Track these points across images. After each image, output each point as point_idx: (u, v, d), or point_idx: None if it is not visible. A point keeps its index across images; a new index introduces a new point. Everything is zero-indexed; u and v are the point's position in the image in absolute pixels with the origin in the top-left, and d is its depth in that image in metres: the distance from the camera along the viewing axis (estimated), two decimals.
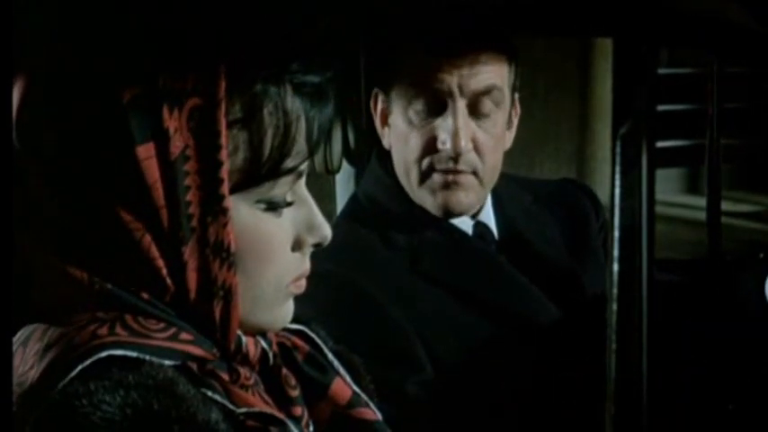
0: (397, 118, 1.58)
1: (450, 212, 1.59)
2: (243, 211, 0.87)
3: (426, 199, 1.58)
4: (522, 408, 1.52)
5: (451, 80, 1.51)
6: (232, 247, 0.86)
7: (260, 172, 0.87)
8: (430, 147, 1.55)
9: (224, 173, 0.84)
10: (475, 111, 1.54)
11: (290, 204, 0.91)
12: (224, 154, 0.84)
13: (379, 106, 1.62)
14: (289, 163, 0.88)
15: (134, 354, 0.83)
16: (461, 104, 1.53)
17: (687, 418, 1.65)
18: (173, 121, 0.82)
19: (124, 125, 0.82)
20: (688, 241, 4.76)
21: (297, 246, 0.92)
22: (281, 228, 0.90)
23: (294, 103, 0.87)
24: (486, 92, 1.54)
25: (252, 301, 0.89)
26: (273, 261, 0.90)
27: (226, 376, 0.88)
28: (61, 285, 0.86)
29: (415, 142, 1.56)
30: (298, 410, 0.95)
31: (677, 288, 1.80)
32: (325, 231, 0.93)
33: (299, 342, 1.00)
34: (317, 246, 0.94)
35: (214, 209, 0.84)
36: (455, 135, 1.52)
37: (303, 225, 0.92)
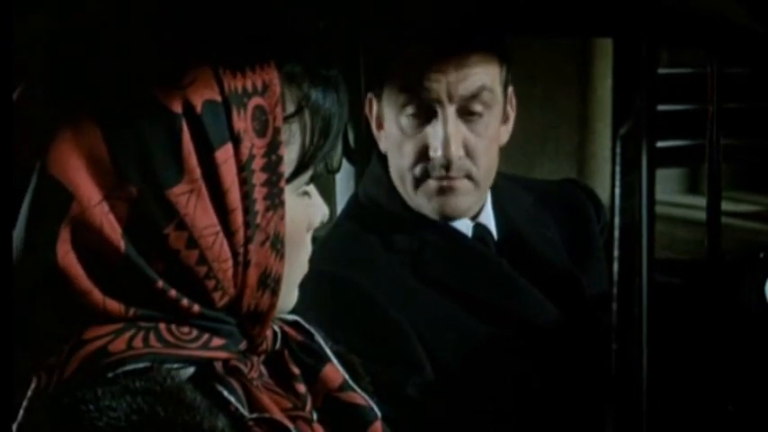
0: (390, 124, 1.58)
1: (447, 216, 1.58)
2: (288, 201, 0.89)
3: (423, 204, 1.58)
4: (523, 409, 1.52)
5: (439, 87, 1.50)
6: (285, 238, 0.89)
7: (304, 161, 0.90)
8: (422, 154, 1.55)
9: (284, 167, 0.87)
10: (465, 114, 1.54)
11: None
12: (283, 149, 0.87)
13: (374, 111, 1.62)
14: (325, 149, 0.91)
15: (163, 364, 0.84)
16: (451, 111, 1.52)
17: (687, 418, 1.65)
18: (241, 122, 0.84)
19: (201, 132, 0.82)
20: (688, 241, 4.77)
21: (309, 226, 0.96)
22: (306, 211, 0.94)
23: (327, 95, 0.91)
24: (476, 95, 1.52)
25: (284, 285, 0.92)
26: (303, 244, 0.95)
27: (245, 368, 0.90)
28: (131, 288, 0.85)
29: (408, 150, 1.56)
30: (301, 388, 0.97)
31: (677, 288, 1.80)
32: (326, 210, 0.98)
33: (292, 332, 1.02)
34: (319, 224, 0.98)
35: (275, 203, 0.87)
36: (446, 143, 1.52)
37: (311, 206, 0.95)
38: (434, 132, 1.53)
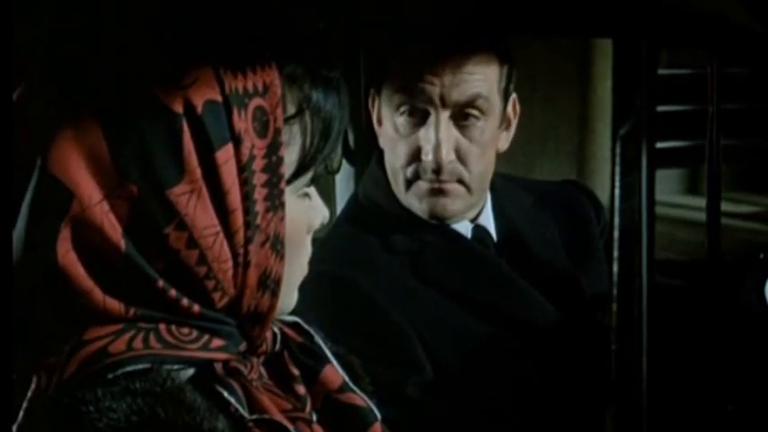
0: (386, 122, 1.58)
1: (437, 217, 1.58)
2: (289, 202, 0.89)
3: (414, 204, 1.58)
4: (523, 409, 1.52)
5: (433, 91, 1.50)
6: (285, 239, 0.89)
7: (305, 163, 0.90)
8: (414, 156, 1.55)
9: (284, 168, 0.87)
10: (459, 120, 1.53)
11: None
12: (284, 150, 0.87)
13: (376, 106, 1.62)
14: (325, 151, 0.91)
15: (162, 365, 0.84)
16: (444, 116, 1.52)
17: (687, 418, 1.65)
18: (241, 123, 0.84)
19: (202, 132, 0.82)
20: (688, 242, 4.77)
21: (309, 228, 0.96)
22: (306, 212, 0.94)
23: (328, 97, 0.91)
24: (471, 102, 1.52)
25: (284, 287, 0.92)
26: (304, 245, 0.95)
27: (245, 369, 0.90)
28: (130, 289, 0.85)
29: (401, 150, 1.56)
30: (301, 389, 0.97)
31: (677, 289, 1.80)
32: (326, 212, 0.98)
33: (292, 333, 1.03)
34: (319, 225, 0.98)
35: (275, 204, 0.87)
36: (437, 148, 1.52)
37: (311, 208, 0.95)
38: (426, 135, 1.53)
